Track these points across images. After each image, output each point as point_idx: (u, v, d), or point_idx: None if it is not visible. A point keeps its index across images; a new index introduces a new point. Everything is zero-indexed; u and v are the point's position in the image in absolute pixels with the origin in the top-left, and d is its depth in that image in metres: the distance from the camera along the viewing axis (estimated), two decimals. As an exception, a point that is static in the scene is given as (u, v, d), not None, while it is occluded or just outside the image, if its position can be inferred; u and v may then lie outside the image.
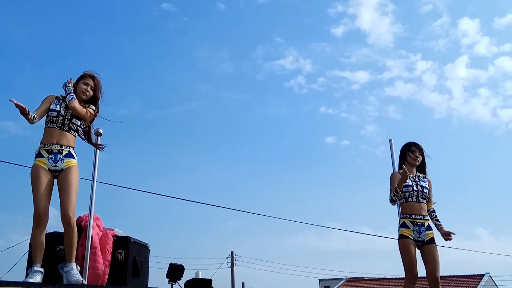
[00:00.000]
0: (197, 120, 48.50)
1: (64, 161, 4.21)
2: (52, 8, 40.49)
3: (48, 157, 4.18)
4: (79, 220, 5.17)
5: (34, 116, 4.18)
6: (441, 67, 50.23)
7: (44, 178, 4.09)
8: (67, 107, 4.36)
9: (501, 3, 48.52)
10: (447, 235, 5.10)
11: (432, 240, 5.07)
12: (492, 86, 50.89)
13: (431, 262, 4.97)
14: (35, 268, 4.01)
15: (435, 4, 46.45)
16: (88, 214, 4.83)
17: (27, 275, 4.19)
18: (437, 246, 5.08)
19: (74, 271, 4.11)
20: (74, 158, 4.28)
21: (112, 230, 5.48)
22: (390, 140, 5.74)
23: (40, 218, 4.01)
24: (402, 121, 46.15)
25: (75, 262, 4.21)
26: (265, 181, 50.25)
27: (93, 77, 4.56)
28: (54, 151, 4.20)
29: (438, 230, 5.13)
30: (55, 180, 4.19)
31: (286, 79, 50.44)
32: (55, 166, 4.17)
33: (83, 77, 4.55)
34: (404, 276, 5.50)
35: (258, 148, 50.56)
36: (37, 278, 3.96)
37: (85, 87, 4.49)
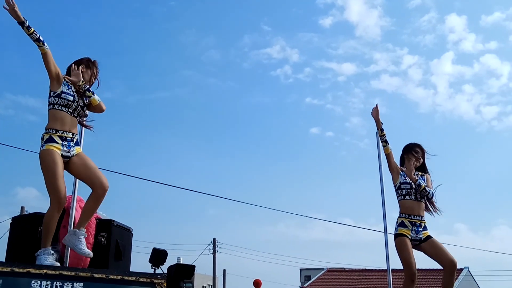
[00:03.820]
0: (182, 107, 48.45)
1: (74, 148, 4.32)
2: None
3: (62, 143, 4.24)
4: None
5: (45, 43, 4.24)
6: (427, 62, 50.72)
7: (61, 163, 4.18)
8: (79, 94, 4.42)
9: (489, 1, 48.95)
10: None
11: (429, 237, 5.21)
12: (477, 83, 51.52)
13: (440, 250, 5.18)
14: (51, 251, 4.13)
15: (424, -1, 46.62)
16: (71, 195, 4.78)
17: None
18: None
19: (84, 240, 4.24)
20: (80, 145, 4.45)
21: (95, 213, 5.43)
22: (377, 133, 5.74)
23: (62, 202, 4.11)
24: (386, 114, 46.17)
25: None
26: (248, 169, 50.50)
27: (96, 67, 4.68)
28: (67, 138, 4.28)
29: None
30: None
31: (272, 68, 50.48)
32: (68, 152, 4.26)
33: (93, 64, 4.64)
34: (385, 268, 5.59)
35: (242, 137, 50.70)
36: (53, 260, 4.10)
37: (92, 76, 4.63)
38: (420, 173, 5.49)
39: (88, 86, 4.48)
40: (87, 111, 4.61)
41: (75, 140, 4.35)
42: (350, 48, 51.25)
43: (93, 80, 4.64)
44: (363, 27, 49.98)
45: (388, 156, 5.53)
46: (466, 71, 52.97)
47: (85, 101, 4.47)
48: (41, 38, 4.21)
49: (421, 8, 49.92)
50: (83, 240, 4.28)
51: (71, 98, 4.34)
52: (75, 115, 4.38)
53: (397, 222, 5.32)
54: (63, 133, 4.27)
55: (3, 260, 4.92)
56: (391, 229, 5.44)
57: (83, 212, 4.38)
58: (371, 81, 52.21)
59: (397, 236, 5.23)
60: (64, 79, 4.39)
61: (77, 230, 4.30)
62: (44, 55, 4.27)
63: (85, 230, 4.35)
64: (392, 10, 50.99)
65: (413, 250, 5.18)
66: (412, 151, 5.50)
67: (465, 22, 51.43)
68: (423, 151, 5.55)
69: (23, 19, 4.11)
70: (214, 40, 49.11)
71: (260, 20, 50.38)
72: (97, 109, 4.57)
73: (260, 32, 49.78)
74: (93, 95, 4.49)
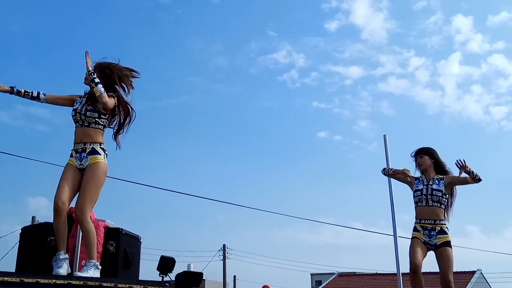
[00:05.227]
0: (189, 113, 48.47)
1: (88, 158, 4.27)
2: (46, -2, 40.20)
3: (75, 157, 4.28)
4: (70, 211, 5.13)
5: (40, 95, 4.31)
6: (434, 63, 50.47)
7: (69, 173, 4.22)
8: (85, 102, 4.37)
9: (495, 0, 48.68)
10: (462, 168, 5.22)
11: (445, 244, 5.16)
12: (485, 83, 51.12)
13: (442, 264, 5.18)
14: (60, 256, 4.11)
15: (429, 0, 46.59)
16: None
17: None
18: (451, 249, 5.18)
19: (90, 270, 4.05)
20: (99, 154, 4.29)
21: (104, 221, 5.45)
22: (384, 136, 5.73)
23: (57, 210, 4.10)
24: (394, 117, 46.44)
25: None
26: (256, 174, 50.35)
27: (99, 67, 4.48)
28: (79, 150, 4.29)
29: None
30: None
31: (279, 73, 50.48)
32: (81, 164, 4.27)
33: (106, 66, 4.50)
34: (395, 272, 5.59)
35: (250, 142, 50.61)
36: (65, 267, 4.07)
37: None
38: (439, 176, 5.42)
39: (94, 76, 4.28)
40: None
41: (87, 150, 4.27)
42: (357, 51, 51.16)
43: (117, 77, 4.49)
44: (369, 30, 49.87)
45: (394, 177, 5.63)
46: (474, 71, 52.59)
47: (87, 106, 4.34)
48: (34, 94, 4.30)
49: (427, 10, 49.74)
50: (89, 270, 4.07)
51: (73, 113, 4.37)
52: (85, 124, 4.34)
53: (413, 227, 5.38)
54: (75, 146, 4.33)
55: (13, 269, 4.94)
56: (400, 232, 5.50)
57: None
58: (378, 83, 52.06)
59: (411, 239, 5.31)
60: (78, 97, 4.46)
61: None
62: (49, 102, 4.40)
63: (94, 261, 4.15)
64: (398, 13, 50.83)
65: (428, 252, 5.21)
66: (414, 159, 5.55)
67: (472, 23, 51.10)
68: (418, 154, 5.49)
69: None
70: (220, 46, 49.24)
71: (266, 25, 50.46)
72: (100, 102, 4.27)
73: (266, 38, 49.86)
74: (96, 86, 4.24)
